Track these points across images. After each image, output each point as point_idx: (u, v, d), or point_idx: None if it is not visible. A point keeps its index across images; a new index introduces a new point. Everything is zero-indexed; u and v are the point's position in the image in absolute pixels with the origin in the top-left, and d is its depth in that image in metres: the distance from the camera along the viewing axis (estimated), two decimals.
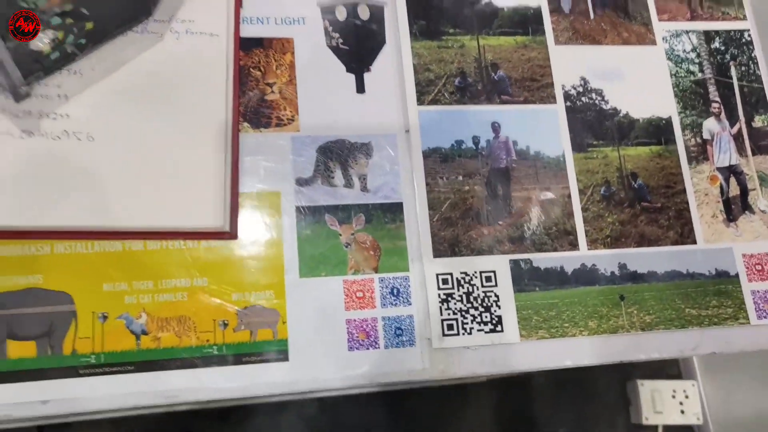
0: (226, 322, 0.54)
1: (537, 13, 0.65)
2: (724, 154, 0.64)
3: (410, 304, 0.56)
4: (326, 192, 0.58)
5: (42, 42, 0.50)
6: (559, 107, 0.63)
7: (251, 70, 0.59)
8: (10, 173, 0.52)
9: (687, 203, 0.62)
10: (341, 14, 0.62)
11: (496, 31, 0.64)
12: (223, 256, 0.55)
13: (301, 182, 0.57)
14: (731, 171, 0.64)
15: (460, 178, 0.60)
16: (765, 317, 0.60)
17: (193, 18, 0.58)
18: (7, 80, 0.51)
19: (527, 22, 0.65)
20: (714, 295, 0.60)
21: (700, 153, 0.64)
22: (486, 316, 0.56)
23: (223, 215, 0.54)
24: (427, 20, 0.63)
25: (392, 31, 0.63)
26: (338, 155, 0.59)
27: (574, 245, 0.59)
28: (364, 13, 0.63)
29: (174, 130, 0.55)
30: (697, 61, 0.66)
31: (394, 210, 0.58)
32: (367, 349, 0.55)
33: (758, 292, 0.60)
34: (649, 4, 0.67)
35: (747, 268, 0.61)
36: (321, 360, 0.54)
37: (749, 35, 0.68)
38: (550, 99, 0.63)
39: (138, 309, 0.53)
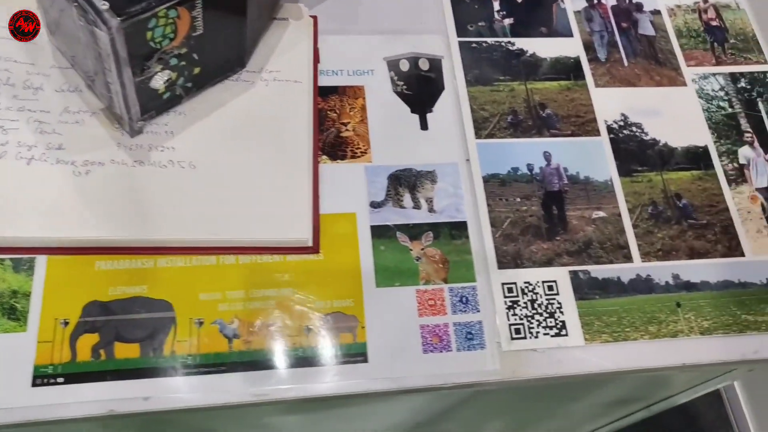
0: (310, 327, 0.58)
1: (576, 62, 0.73)
2: (762, 176, 0.69)
3: (478, 311, 0.60)
4: (397, 212, 0.64)
5: (159, 82, 0.59)
6: (604, 139, 0.69)
7: (328, 112, 0.68)
8: (123, 197, 0.59)
9: (731, 220, 0.66)
10: (404, 66, 0.71)
11: (541, 77, 0.72)
12: (307, 269, 0.60)
13: (374, 205, 0.64)
14: None
15: (518, 199, 0.65)
16: None
17: (279, 69, 0.67)
18: (128, 115, 0.59)
19: (568, 70, 0.73)
20: (767, 303, 0.63)
21: (739, 176, 0.69)
22: (551, 321, 0.60)
23: (307, 231, 0.60)
24: (479, 69, 0.72)
25: (449, 79, 0.71)
26: (407, 181, 0.65)
27: (628, 258, 0.64)
28: (424, 65, 0.72)
29: (264, 160, 0.63)
30: (726, 98, 0.73)
31: (460, 228, 0.64)
32: (441, 352, 0.58)
33: None
34: (676, 53, 0.75)
35: None
36: (398, 362, 0.58)
37: None
38: (595, 132, 0.69)
39: (230, 315, 0.58)
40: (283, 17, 0.70)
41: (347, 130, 0.67)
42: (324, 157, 0.66)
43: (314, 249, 0.61)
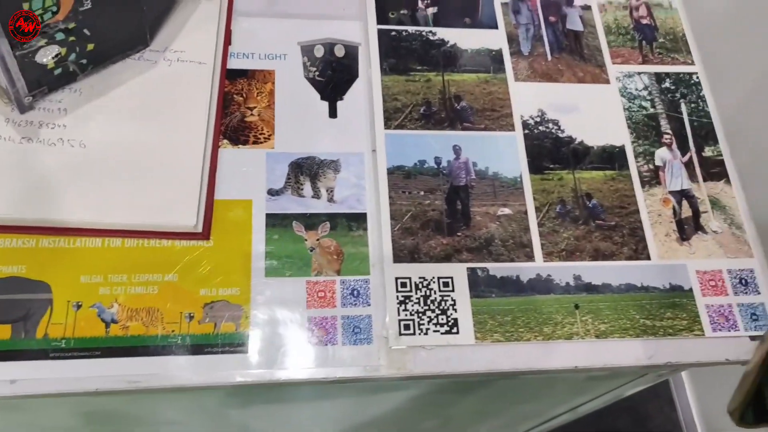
0: (192, 314, 0.57)
1: (498, 55, 0.72)
2: (676, 179, 0.68)
3: (369, 305, 0.59)
4: (295, 201, 0.62)
5: (46, 56, 0.57)
6: (518, 134, 0.68)
7: (234, 96, 0.66)
8: (7, 174, 0.58)
9: (641, 222, 0.65)
10: (319, 52, 0.69)
11: (460, 69, 0.70)
12: (195, 255, 0.59)
13: (272, 192, 0.62)
14: (683, 195, 0.67)
15: (422, 193, 0.64)
16: (719, 330, 0.61)
17: (184, 49, 0.65)
18: (13, 90, 0.57)
19: (489, 62, 0.71)
20: (668, 308, 0.61)
21: (653, 178, 0.67)
22: (442, 318, 0.59)
23: (196, 217, 0.59)
24: (396, 58, 0.70)
25: (364, 67, 0.69)
26: (308, 170, 0.63)
27: (530, 257, 0.62)
28: (339, 52, 0.70)
29: (159, 143, 0.61)
30: (648, 98, 0.71)
31: (359, 219, 0.62)
32: (326, 345, 0.57)
33: (712, 306, 0.62)
34: (603, 49, 0.74)
35: (701, 283, 0.63)
36: (280, 353, 0.56)
37: (697, 77, 0.73)
38: (509, 127, 0.68)
39: (111, 299, 0.56)
40: None
41: (252, 114, 0.65)
42: (225, 141, 0.64)
43: (204, 235, 0.59)
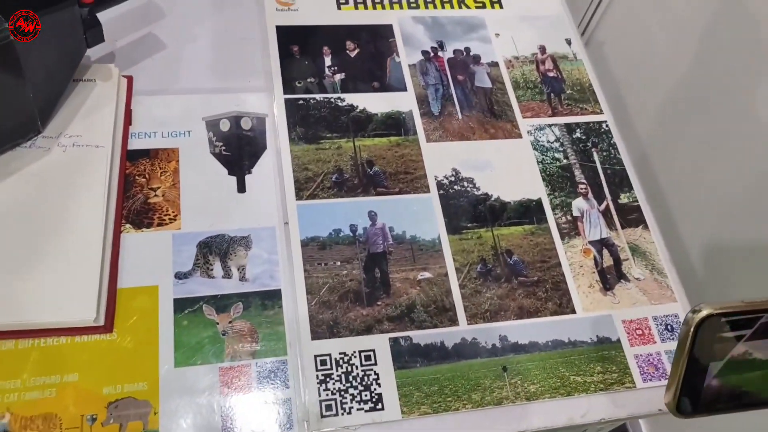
0: (94, 416, 0.53)
1: (408, 117, 0.71)
2: (595, 228, 0.67)
3: (288, 387, 0.56)
4: (205, 283, 0.59)
5: None
6: (433, 195, 0.67)
7: (136, 177, 0.63)
8: None
9: (563, 275, 0.64)
10: (225, 126, 0.68)
11: (370, 133, 0.70)
12: (97, 351, 0.55)
13: (180, 276, 0.59)
14: (603, 244, 0.67)
15: (338, 263, 0.62)
16: (650, 380, 0.59)
17: (80, 133, 0.63)
18: None
19: (400, 125, 0.71)
20: (598, 362, 0.60)
21: (572, 229, 0.67)
22: (366, 395, 0.56)
23: (96, 310, 0.55)
24: (305, 127, 0.69)
25: (272, 138, 0.68)
26: (218, 248, 0.61)
27: (453, 321, 0.60)
28: (246, 124, 0.68)
29: (53, 233, 0.57)
30: (561, 149, 0.72)
31: (273, 297, 0.60)
32: None
33: (641, 355, 0.61)
34: (512, 105, 0.74)
35: (628, 333, 0.62)
36: None
37: (607, 125, 0.74)
38: (424, 189, 0.67)
39: (2, 409, 0.52)
40: (90, 78, 0.66)
41: (156, 195, 0.63)
42: (128, 226, 0.61)
43: (106, 328, 0.56)
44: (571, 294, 0.63)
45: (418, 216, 0.65)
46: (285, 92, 0.71)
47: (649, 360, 0.60)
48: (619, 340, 0.61)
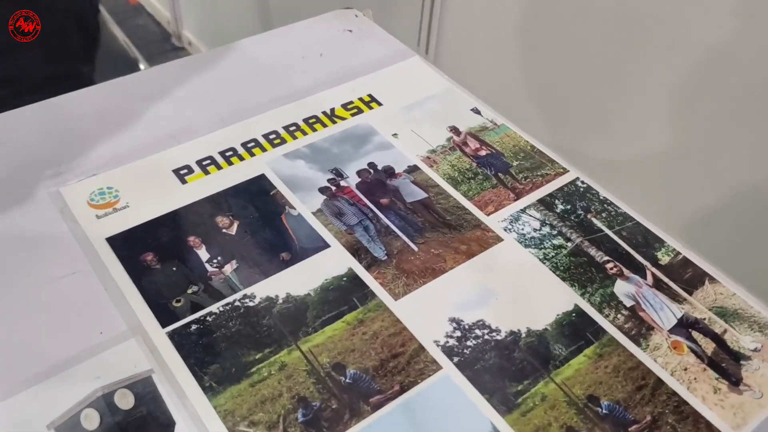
0: None
1: (351, 278, 0.48)
2: (662, 311, 0.48)
3: None
4: None
5: None
6: (449, 371, 0.43)
7: None
8: None
9: (676, 394, 0.43)
10: (91, 420, 0.40)
11: (315, 325, 0.45)
12: None
13: None
14: (686, 326, 0.47)
15: None
16: None
17: None
18: None
19: (347, 295, 0.47)
20: None
21: (639, 326, 0.47)
22: None
23: None
24: (217, 361, 0.43)
25: (175, 399, 0.41)
26: None
27: None
28: (125, 401, 0.40)
29: None
30: (555, 232, 0.53)
31: None
32: None
33: None
34: (466, 205, 0.55)
35: None
36: None
37: (582, 182, 0.57)
38: (432, 367, 0.43)
39: None
40: None
41: None
42: None
43: None
44: (703, 415, 0.42)
45: (446, 409, 0.42)
46: (163, 324, 0.45)
47: None
48: None
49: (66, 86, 0.63)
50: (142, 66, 1.39)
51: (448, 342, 0.45)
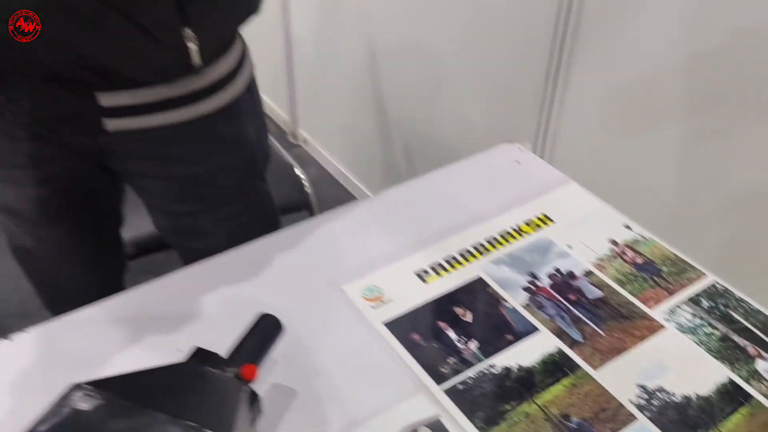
0: None
1: (560, 354, 0.68)
2: None
3: None
4: None
5: None
6: (642, 423, 0.62)
7: None
8: None
9: None
10: None
11: (543, 386, 0.65)
12: None
13: None
14: None
15: None
16: None
17: None
18: None
19: (560, 366, 0.67)
20: None
21: None
22: None
23: None
24: (483, 410, 0.63)
25: None
26: None
27: None
28: None
29: None
30: (705, 323, 0.72)
31: None
32: None
33: None
34: (634, 301, 0.74)
35: None
36: None
37: (720, 284, 0.76)
38: (629, 420, 0.62)
39: None
40: None
41: None
42: None
43: None
44: None
45: None
46: (438, 383, 0.65)
47: None
48: None
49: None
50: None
51: (640, 402, 0.64)
